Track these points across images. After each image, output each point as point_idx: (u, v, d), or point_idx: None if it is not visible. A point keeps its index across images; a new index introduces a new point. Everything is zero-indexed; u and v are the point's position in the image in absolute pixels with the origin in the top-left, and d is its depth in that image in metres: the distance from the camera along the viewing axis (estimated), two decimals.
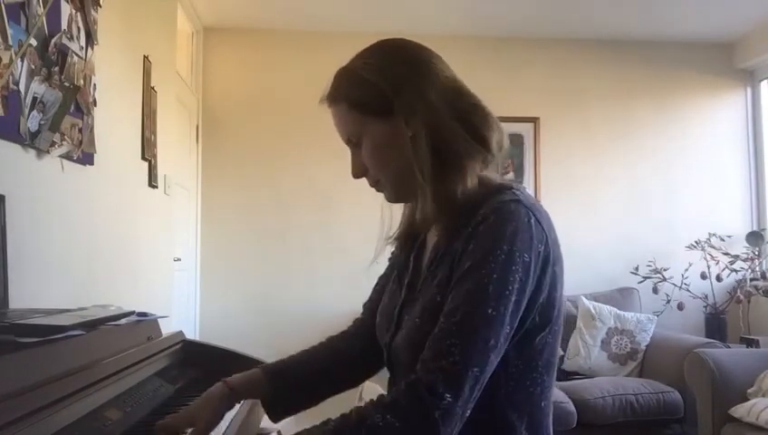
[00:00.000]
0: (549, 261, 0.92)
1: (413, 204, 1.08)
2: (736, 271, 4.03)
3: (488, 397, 0.90)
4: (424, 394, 0.83)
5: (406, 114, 0.97)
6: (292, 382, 1.12)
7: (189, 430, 1.03)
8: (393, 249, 1.17)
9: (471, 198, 0.96)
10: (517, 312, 0.89)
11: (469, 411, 0.86)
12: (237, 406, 1.17)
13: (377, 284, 1.22)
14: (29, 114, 1.54)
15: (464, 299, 0.88)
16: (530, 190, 4.23)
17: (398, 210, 1.12)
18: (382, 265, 1.21)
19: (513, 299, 0.87)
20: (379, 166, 1.02)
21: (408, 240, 1.12)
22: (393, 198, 1.06)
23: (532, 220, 0.91)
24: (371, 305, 1.20)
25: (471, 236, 0.91)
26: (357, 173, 1.05)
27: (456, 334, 0.86)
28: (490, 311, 0.86)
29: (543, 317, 0.94)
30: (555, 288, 0.94)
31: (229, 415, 1.13)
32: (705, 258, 4.08)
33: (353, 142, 1.03)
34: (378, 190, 1.06)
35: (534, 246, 0.90)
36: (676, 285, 4.09)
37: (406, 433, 0.83)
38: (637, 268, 4.13)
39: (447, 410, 0.83)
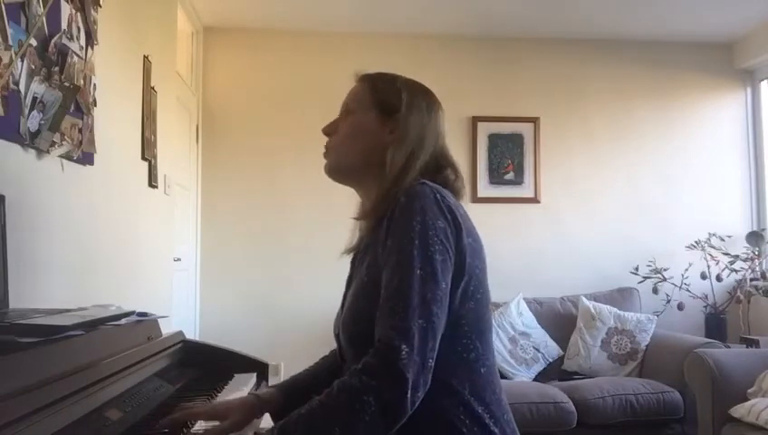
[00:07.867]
0: (462, 229, 1.04)
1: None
2: (736, 271, 4.03)
3: None
4: (385, 351, 0.94)
5: (401, 130, 1.15)
6: (299, 395, 1.22)
7: (211, 423, 1.08)
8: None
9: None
10: (447, 270, 1.00)
11: (432, 362, 0.95)
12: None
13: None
14: (29, 114, 1.54)
15: (395, 268, 0.99)
16: (530, 190, 4.25)
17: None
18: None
19: (439, 259, 0.99)
20: (347, 138, 1.20)
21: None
22: (331, 169, 1.23)
23: (438, 196, 1.05)
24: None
25: (389, 220, 1.04)
26: (327, 130, 1.24)
27: (395, 296, 0.97)
28: (419, 272, 0.97)
29: (461, 283, 1.04)
30: (470, 256, 1.05)
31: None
32: (705, 258, 4.08)
33: (346, 111, 1.22)
34: (324, 157, 1.24)
35: (444, 214, 1.03)
36: (676, 285, 4.09)
37: (381, 387, 0.92)
38: (637, 268, 4.13)
39: (407, 359, 0.93)
